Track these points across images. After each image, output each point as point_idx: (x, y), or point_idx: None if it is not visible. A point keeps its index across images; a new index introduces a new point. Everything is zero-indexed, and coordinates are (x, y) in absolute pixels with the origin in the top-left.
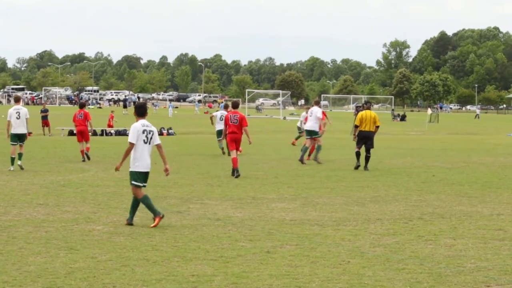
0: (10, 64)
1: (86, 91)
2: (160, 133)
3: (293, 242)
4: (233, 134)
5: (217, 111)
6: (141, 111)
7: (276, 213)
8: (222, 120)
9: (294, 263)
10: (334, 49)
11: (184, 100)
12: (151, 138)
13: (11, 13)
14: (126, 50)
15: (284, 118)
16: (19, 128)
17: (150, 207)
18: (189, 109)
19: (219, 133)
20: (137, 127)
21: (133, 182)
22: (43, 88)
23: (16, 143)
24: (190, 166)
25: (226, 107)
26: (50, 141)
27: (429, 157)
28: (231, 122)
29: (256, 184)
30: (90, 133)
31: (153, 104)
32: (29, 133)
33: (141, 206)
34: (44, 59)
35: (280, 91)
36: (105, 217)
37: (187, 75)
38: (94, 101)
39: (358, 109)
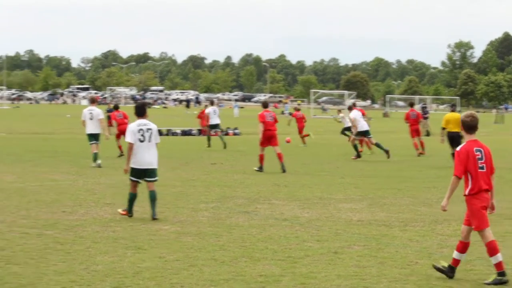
0: (74, 64)
1: (151, 91)
2: (226, 133)
3: (360, 242)
4: (270, 131)
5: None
6: (140, 111)
7: (343, 213)
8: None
9: (361, 264)
10: (398, 49)
11: (250, 100)
12: (149, 136)
13: (76, 13)
14: (191, 50)
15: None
16: (93, 128)
17: (129, 204)
18: (254, 109)
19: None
20: (132, 127)
21: (130, 178)
22: (108, 88)
23: (94, 142)
24: (256, 166)
25: (265, 105)
26: (115, 141)
27: (495, 158)
28: (267, 120)
29: (323, 184)
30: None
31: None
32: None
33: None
34: (109, 58)
35: (346, 92)
36: (172, 217)
37: (252, 75)
38: (160, 101)
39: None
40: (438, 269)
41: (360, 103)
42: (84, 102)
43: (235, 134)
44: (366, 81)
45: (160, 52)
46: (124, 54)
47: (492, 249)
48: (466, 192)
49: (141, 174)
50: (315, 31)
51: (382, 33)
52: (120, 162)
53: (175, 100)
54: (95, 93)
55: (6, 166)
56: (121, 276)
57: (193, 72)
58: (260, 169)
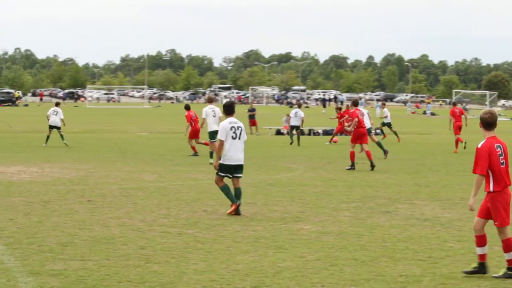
0: (216, 63)
1: (293, 90)
2: (369, 132)
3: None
4: (362, 129)
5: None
6: (229, 109)
7: None
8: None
9: (502, 264)
10: None
11: (391, 100)
12: (240, 133)
13: (218, 13)
14: (333, 49)
15: None
16: (215, 125)
17: (227, 195)
18: (396, 109)
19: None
20: (224, 125)
21: (219, 173)
22: (250, 87)
23: (214, 140)
24: (399, 166)
25: (356, 104)
26: (258, 140)
27: None
28: (359, 118)
29: (464, 184)
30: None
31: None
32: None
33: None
34: (251, 58)
35: (487, 92)
36: (313, 217)
37: (394, 75)
38: (302, 101)
39: None
40: (471, 272)
41: (502, 102)
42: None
43: (377, 134)
44: (507, 81)
45: (302, 51)
46: (266, 53)
47: (508, 246)
48: (491, 189)
49: (231, 170)
50: (457, 31)
51: None
52: (264, 163)
53: (316, 100)
54: (237, 93)
55: (147, 165)
56: (261, 276)
57: (335, 72)
58: (352, 166)
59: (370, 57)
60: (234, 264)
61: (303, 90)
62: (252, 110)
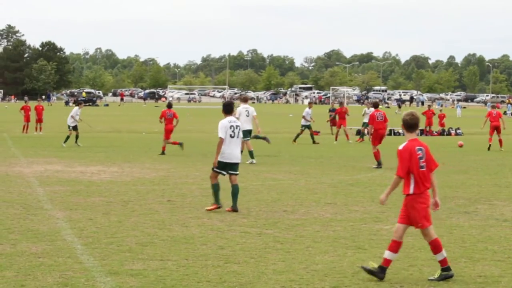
0: (297, 63)
1: (374, 90)
2: (448, 133)
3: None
4: (380, 131)
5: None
6: (228, 109)
7: None
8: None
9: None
10: None
11: (472, 100)
12: (238, 132)
13: (299, 12)
14: (414, 50)
15: None
16: (248, 125)
17: (215, 195)
18: (477, 109)
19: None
20: (224, 124)
21: (215, 169)
22: (331, 87)
23: (247, 138)
24: (478, 167)
25: (376, 105)
26: (339, 141)
27: None
28: (377, 119)
29: None
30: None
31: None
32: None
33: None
34: (332, 58)
35: None
36: (393, 217)
37: (475, 75)
38: (383, 101)
39: None
40: (368, 271)
41: None
42: (307, 102)
43: (457, 134)
44: None
45: (383, 51)
46: (348, 53)
47: (436, 247)
48: (410, 192)
49: (227, 167)
50: None
51: None
52: (344, 163)
53: (397, 100)
54: (318, 93)
55: None
56: (340, 276)
57: (416, 72)
58: (379, 165)
59: (451, 57)
60: (313, 264)
61: (384, 90)
62: (333, 110)
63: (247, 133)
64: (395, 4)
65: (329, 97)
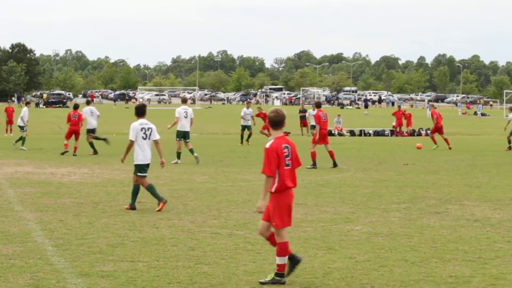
0: (268, 64)
1: (344, 91)
2: (419, 133)
3: None
4: (324, 130)
5: None
6: (140, 111)
7: None
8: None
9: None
10: None
11: (442, 101)
12: (150, 134)
13: (269, 13)
14: (384, 50)
15: None
16: (185, 125)
17: (154, 195)
18: (447, 109)
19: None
20: (135, 126)
21: (138, 173)
22: (301, 88)
23: (181, 139)
24: (449, 167)
25: (319, 105)
26: (308, 141)
27: None
28: (322, 119)
29: None
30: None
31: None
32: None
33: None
34: (302, 59)
35: None
36: (363, 217)
37: (445, 76)
38: (353, 102)
39: None
40: (266, 283)
41: None
42: (277, 102)
43: (427, 134)
44: None
45: (353, 52)
46: (318, 54)
47: (283, 250)
48: (273, 190)
49: (145, 168)
50: (508, 31)
51: None
52: (308, 162)
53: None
54: (288, 94)
55: (197, 167)
56: (311, 277)
57: (386, 73)
58: (314, 165)
59: (421, 58)
60: None
61: (355, 91)
62: (303, 111)
63: (185, 134)
64: (365, 4)
65: (299, 98)
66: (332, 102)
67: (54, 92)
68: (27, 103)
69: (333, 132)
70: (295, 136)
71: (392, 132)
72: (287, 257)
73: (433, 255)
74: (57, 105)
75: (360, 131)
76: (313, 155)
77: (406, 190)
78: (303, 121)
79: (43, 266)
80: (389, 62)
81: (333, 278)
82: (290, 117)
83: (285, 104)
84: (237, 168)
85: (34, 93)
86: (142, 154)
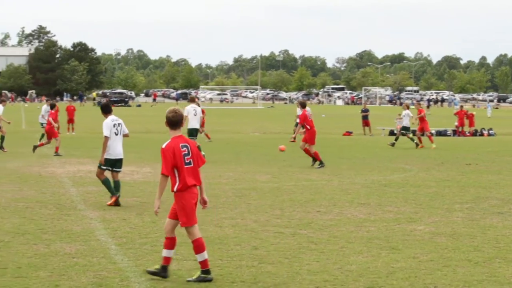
0: (329, 64)
1: (406, 91)
2: (481, 134)
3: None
4: (313, 129)
5: None
6: (107, 109)
7: None
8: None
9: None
10: None
11: (504, 101)
12: (121, 129)
13: (331, 13)
14: (445, 50)
15: None
16: (196, 123)
17: (108, 188)
18: (509, 109)
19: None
20: (108, 123)
21: (101, 166)
22: (363, 88)
23: (194, 137)
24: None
25: (304, 105)
26: (371, 141)
27: None
28: (309, 118)
29: None
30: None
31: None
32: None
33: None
34: (364, 59)
35: None
36: (426, 217)
37: (507, 76)
38: (414, 101)
39: None
40: (152, 273)
41: None
42: (339, 102)
43: (489, 134)
44: None
45: (415, 52)
46: (379, 54)
47: (198, 247)
48: (175, 189)
49: (113, 164)
50: None
51: None
52: (377, 164)
53: (428, 100)
54: (350, 93)
55: (260, 166)
56: (374, 276)
57: (448, 73)
58: (322, 163)
59: (483, 58)
60: (348, 264)
61: (417, 91)
62: (365, 110)
63: (193, 132)
64: (426, 4)
65: (361, 97)
66: (394, 102)
67: (116, 91)
68: (47, 101)
69: (395, 131)
70: (357, 136)
71: (455, 132)
72: (205, 252)
73: (497, 255)
74: (119, 104)
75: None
76: (316, 155)
77: (468, 190)
78: (365, 120)
79: (106, 265)
80: (450, 62)
81: (396, 278)
82: (352, 117)
83: (347, 103)
84: (300, 168)
85: (96, 92)
86: (113, 149)
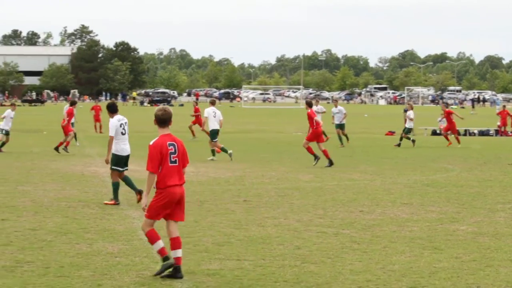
0: (372, 64)
1: (449, 91)
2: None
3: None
4: (319, 128)
5: None
6: (113, 109)
7: None
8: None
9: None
10: None
11: None
12: (127, 128)
13: (373, 13)
14: (488, 50)
15: None
16: (215, 125)
17: (115, 192)
18: None
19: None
20: (114, 123)
21: (113, 166)
22: (406, 87)
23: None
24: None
25: (310, 104)
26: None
27: None
28: (316, 119)
29: None
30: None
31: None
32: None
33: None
34: (406, 58)
35: None
36: (469, 217)
37: None
38: (457, 101)
39: None
40: (165, 275)
41: None
42: (382, 102)
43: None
44: None
45: (457, 52)
46: (422, 53)
47: (150, 238)
48: (153, 185)
49: (124, 161)
50: None
51: None
52: (420, 163)
53: (472, 100)
54: (393, 93)
55: (303, 165)
56: (417, 276)
57: (491, 72)
58: (331, 163)
59: None
60: (390, 264)
61: (459, 91)
62: (406, 110)
63: (214, 133)
64: (468, 4)
65: (403, 97)
66: (437, 101)
67: (159, 90)
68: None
69: (438, 131)
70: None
71: (497, 132)
72: (160, 241)
73: None
74: (162, 104)
75: (465, 130)
76: (325, 153)
77: (511, 190)
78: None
79: (149, 264)
80: (493, 62)
81: (439, 277)
82: (395, 116)
83: (390, 103)
84: (343, 167)
85: (139, 91)
86: (121, 147)
